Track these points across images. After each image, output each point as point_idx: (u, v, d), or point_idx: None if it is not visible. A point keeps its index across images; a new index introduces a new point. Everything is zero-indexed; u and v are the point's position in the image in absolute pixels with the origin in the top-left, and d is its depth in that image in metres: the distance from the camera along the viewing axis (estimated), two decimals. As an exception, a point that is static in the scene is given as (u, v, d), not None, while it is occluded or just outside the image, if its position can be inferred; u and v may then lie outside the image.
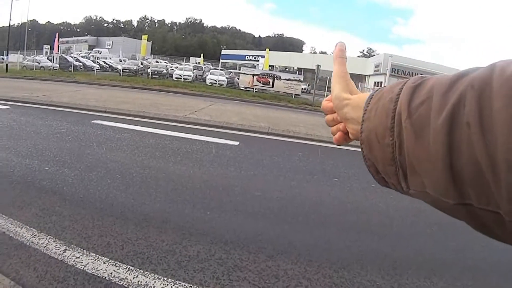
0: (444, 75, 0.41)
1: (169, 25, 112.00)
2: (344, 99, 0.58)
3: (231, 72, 33.83)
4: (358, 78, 43.80)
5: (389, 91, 0.47)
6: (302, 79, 28.00)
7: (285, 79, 26.57)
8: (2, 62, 31.78)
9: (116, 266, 2.78)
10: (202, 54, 50.85)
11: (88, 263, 2.78)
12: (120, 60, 41.92)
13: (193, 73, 31.65)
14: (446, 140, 0.35)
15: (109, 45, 72.78)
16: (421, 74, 0.47)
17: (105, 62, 40.25)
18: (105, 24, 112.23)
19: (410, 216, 4.49)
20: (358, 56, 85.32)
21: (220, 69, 33.84)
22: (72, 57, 35.49)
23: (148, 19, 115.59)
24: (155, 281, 2.66)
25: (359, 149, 0.50)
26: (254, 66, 38.29)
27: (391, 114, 0.43)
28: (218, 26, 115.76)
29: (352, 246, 3.63)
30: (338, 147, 0.63)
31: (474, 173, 0.33)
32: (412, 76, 0.44)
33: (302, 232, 3.82)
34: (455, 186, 0.35)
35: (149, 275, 2.72)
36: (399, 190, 0.46)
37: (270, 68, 36.11)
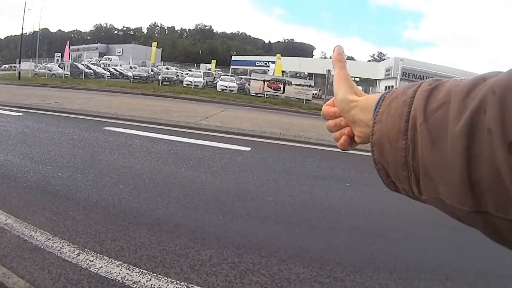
0: (459, 79, 0.40)
1: (179, 31, 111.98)
2: (351, 101, 0.57)
3: (241, 78, 33.82)
4: (369, 83, 43.77)
5: (402, 93, 0.45)
6: (312, 84, 27.94)
7: (296, 85, 26.57)
8: (15, 70, 32.25)
9: (129, 270, 2.80)
10: (213, 61, 50.09)
11: (101, 267, 2.80)
12: (131, 67, 42.11)
13: (203, 79, 31.77)
14: (465, 147, 0.34)
15: (119, 52, 73.13)
16: (433, 78, 0.46)
17: (115, 69, 40.60)
18: (115, 32, 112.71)
19: (422, 220, 4.43)
20: (369, 61, 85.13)
21: (231, 75, 33.91)
22: (83, 64, 35.77)
23: (158, 26, 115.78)
24: (168, 284, 2.67)
25: (370, 154, 0.49)
26: (264, 72, 38.31)
27: (405, 117, 0.42)
28: (228, 32, 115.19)
29: (363, 250, 3.60)
30: (344, 151, 0.61)
31: (494, 182, 0.32)
32: (424, 79, 0.43)
33: (313, 236, 3.81)
34: (472, 194, 0.34)
35: (162, 279, 2.73)
36: (410, 196, 0.45)
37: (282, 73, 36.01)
